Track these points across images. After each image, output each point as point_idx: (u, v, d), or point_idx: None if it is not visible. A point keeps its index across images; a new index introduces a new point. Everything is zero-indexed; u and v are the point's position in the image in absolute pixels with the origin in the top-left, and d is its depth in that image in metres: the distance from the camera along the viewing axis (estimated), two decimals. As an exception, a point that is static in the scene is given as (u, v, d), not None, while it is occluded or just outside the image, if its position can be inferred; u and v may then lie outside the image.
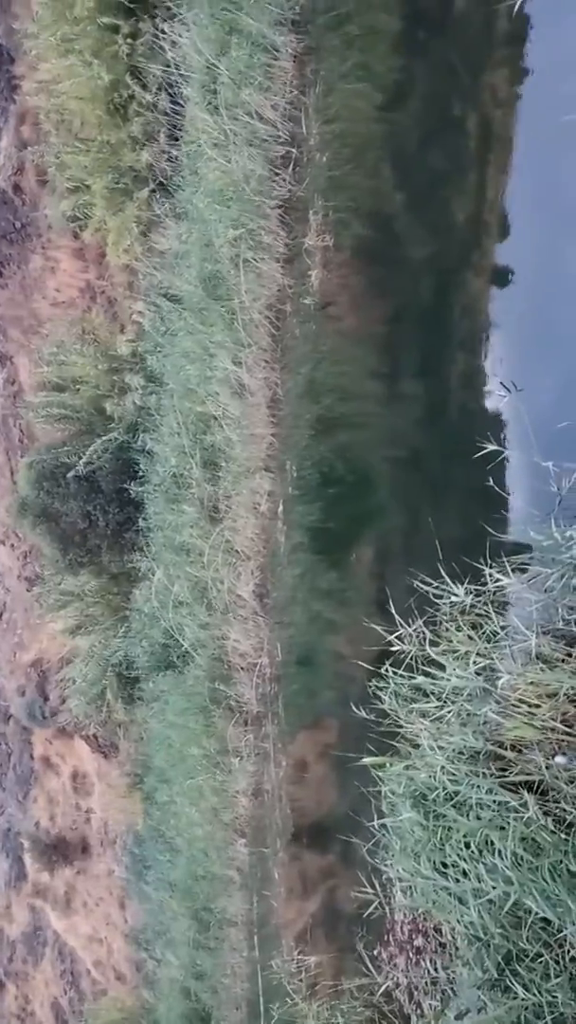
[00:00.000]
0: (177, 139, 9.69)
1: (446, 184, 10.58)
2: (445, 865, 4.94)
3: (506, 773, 4.53)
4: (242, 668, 10.24)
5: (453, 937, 5.37)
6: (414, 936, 6.39)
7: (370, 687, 5.63)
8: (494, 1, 8.92)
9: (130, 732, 11.95)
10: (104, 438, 10.78)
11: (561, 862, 4.09)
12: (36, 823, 14.07)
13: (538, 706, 4.35)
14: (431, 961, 5.69)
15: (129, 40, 9.56)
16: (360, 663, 6.39)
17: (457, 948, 5.17)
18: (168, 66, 9.33)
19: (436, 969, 5.59)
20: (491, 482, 5.28)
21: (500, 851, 4.38)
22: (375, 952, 6.75)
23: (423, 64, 10.12)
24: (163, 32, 9.26)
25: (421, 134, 10.41)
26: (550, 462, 4.46)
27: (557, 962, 4.26)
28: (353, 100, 9.18)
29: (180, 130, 9.62)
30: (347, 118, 9.08)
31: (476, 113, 10.46)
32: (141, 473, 10.66)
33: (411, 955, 6.38)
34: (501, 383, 5.72)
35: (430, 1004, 5.53)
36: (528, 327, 9.45)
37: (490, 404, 10.02)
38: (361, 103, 9.37)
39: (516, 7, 5.14)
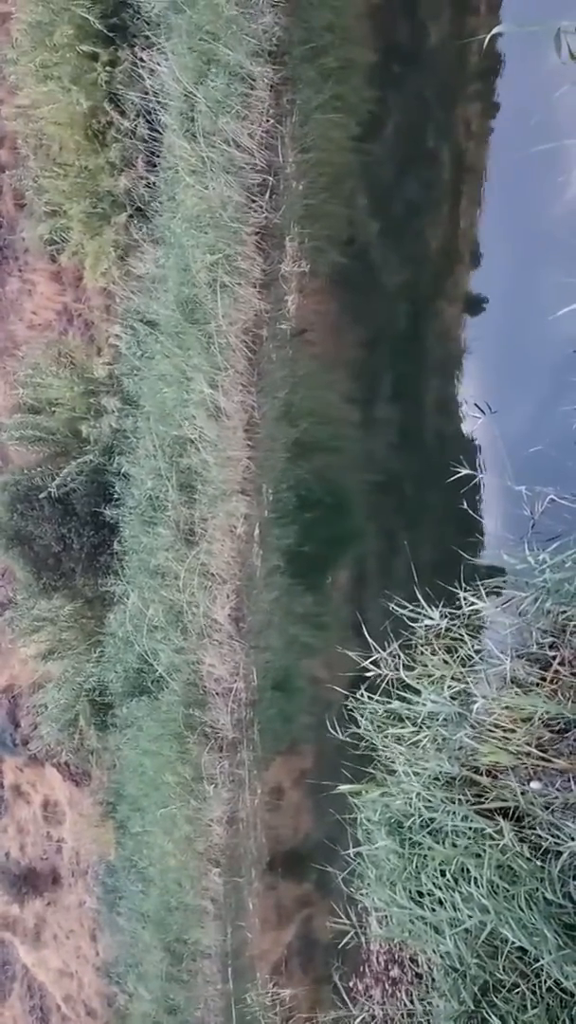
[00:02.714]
0: (155, 165, 9.77)
1: (420, 213, 10.77)
2: (421, 894, 4.87)
3: (482, 799, 4.50)
4: (217, 693, 10.14)
5: (429, 968, 5.30)
6: (390, 967, 6.29)
7: (347, 711, 5.59)
8: (464, 37, 9.14)
9: (103, 759, 11.75)
10: (79, 460, 10.71)
11: (537, 890, 4.06)
12: (6, 853, 13.74)
13: (513, 731, 4.34)
14: (407, 992, 5.60)
15: (108, 67, 9.66)
16: (336, 688, 6.35)
17: (433, 979, 5.09)
18: (146, 93, 9.43)
19: (412, 1001, 5.50)
20: (465, 506, 5.30)
21: (476, 879, 4.33)
22: (351, 983, 6.64)
23: (398, 96, 10.34)
24: (142, 60, 9.37)
25: (396, 164, 10.60)
26: (523, 486, 4.48)
27: (534, 992, 4.21)
28: (329, 130, 9.33)
29: (158, 156, 9.70)
30: (323, 148, 9.22)
31: (449, 145, 10.69)
32: (116, 496, 10.60)
33: (387, 986, 6.28)
34: (476, 405, 5.77)
35: (406, 1037, 5.43)
36: (501, 353, 9.59)
37: (465, 428, 10.12)
38: (337, 133, 9.53)
39: (484, 43, 5.25)
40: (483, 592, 4.82)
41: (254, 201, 8.50)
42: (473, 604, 4.69)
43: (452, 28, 10.24)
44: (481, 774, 4.54)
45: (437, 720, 4.82)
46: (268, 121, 8.33)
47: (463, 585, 4.91)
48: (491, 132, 10.57)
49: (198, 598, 9.89)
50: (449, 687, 4.73)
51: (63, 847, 13.23)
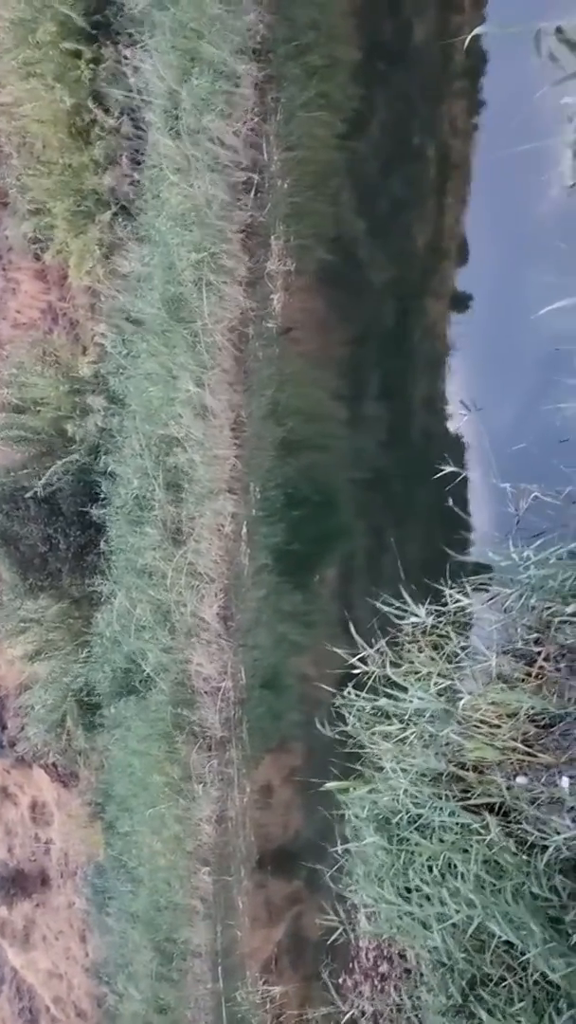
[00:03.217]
0: (139, 163, 9.73)
1: (406, 211, 10.77)
2: (408, 890, 4.89)
3: (468, 795, 4.51)
4: (206, 692, 10.12)
5: (418, 963, 5.31)
6: (379, 963, 6.31)
7: (335, 708, 5.60)
8: (448, 34, 9.15)
9: (91, 760, 11.72)
10: (65, 460, 10.66)
11: (523, 884, 4.08)
12: (-6, 855, 13.69)
13: (499, 726, 4.36)
14: (396, 988, 5.62)
15: (91, 65, 9.62)
16: (325, 686, 6.36)
17: (422, 974, 5.11)
18: (130, 91, 9.40)
19: (401, 996, 5.51)
20: (451, 503, 5.32)
21: (463, 874, 4.35)
22: (341, 980, 6.66)
23: (383, 94, 10.33)
24: (125, 58, 9.33)
25: (381, 162, 10.60)
26: (507, 483, 4.50)
27: (521, 986, 4.23)
28: (314, 128, 9.32)
29: (142, 154, 9.66)
30: (308, 145, 9.21)
31: (434, 142, 10.70)
32: (103, 495, 10.55)
33: (376, 982, 6.30)
34: (461, 402, 5.79)
35: (395, 1032, 5.45)
36: (487, 350, 9.62)
37: (451, 425, 10.14)
38: (322, 131, 9.52)
39: (466, 43, 5.27)
40: (469, 589, 4.84)
41: (239, 199, 8.49)
42: (459, 601, 4.71)
43: (436, 26, 10.25)
44: (467, 770, 4.55)
45: (424, 716, 4.83)
46: (253, 119, 8.31)
47: (449, 582, 4.93)
48: (476, 129, 10.58)
49: (186, 597, 9.87)
50: (435, 683, 4.75)
51: (51, 848, 13.19)
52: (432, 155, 10.80)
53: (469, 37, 4.62)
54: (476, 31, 4.90)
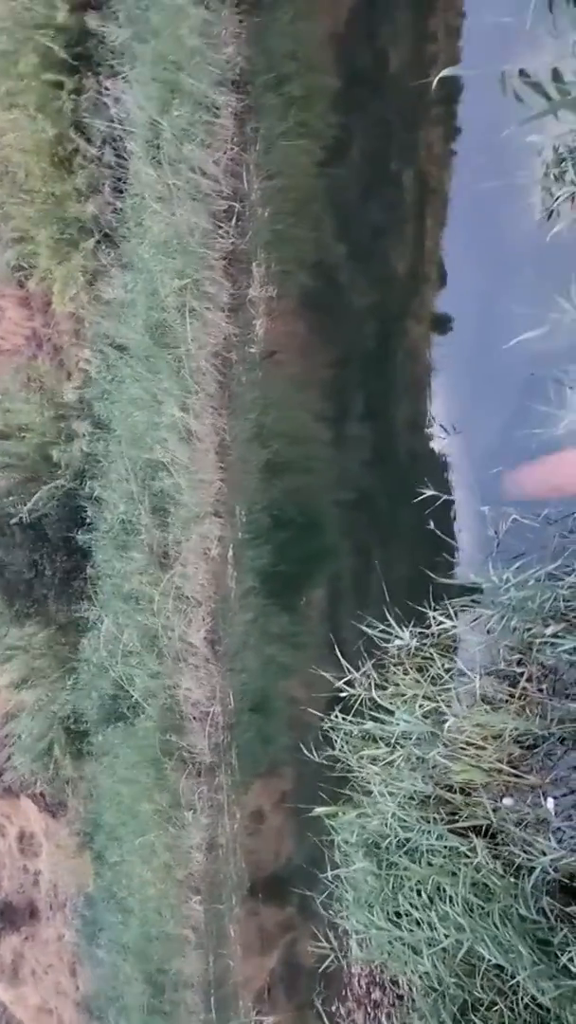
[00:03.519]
0: (122, 191, 9.84)
1: (386, 236, 10.91)
2: (398, 915, 4.86)
3: (456, 817, 4.51)
4: (194, 717, 10.07)
5: (410, 989, 5.27)
6: (372, 989, 6.26)
7: (324, 732, 5.59)
8: (423, 62, 9.35)
9: (79, 789, 11.60)
10: (50, 485, 10.66)
11: (511, 906, 4.07)
12: (-19, 888, 13.47)
13: (484, 748, 4.36)
14: (388, 1015, 5.57)
15: (73, 96, 9.74)
16: (313, 709, 6.35)
17: (414, 1000, 5.07)
18: (112, 121, 9.52)
19: (394, 1023, 5.46)
20: (433, 525, 5.36)
21: (451, 897, 4.33)
22: (334, 1008, 6.60)
23: (361, 121, 10.51)
24: (106, 89, 9.46)
25: (361, 188, 10.76)
26: (486, 506, 4.56)
27: (512, 1010, 4.20)
28: (294, 156, 9.46)
29: (125, 183, 9.77)
30: (288, 173, 9.34)
31: (413, 168, 10.87)
32: (89, 520, 10.54)
33: (369, 1009, 6.24)
34: (441, 425, 5.86)
35: (388, 1061, 5.39)
36: (467, 372, 9.72)
37: (434, 446, 10.21)
38: (302, 159, 9.66)
39: (434, 83, 5.41)
40: (452, 611, 4.87)
41: (221, 227, 8.59)
42: (442, 623, 4.73)
43: (411, 55, 10.46)
44: (454, 792, 4.56)
45: (410, 739, 4.84)
46: (233, 148, 8.44)
47: (433, 604, 4.95)
48: (453, 155, 10.76)
49: (173, 621, 9.85)
50: (421, 706, 4.76)
51: (40, 880, 13.00)
52: (410, 180, 10.96)
53: (436, 79, 4.74)
54: (443, 73, 5.03)
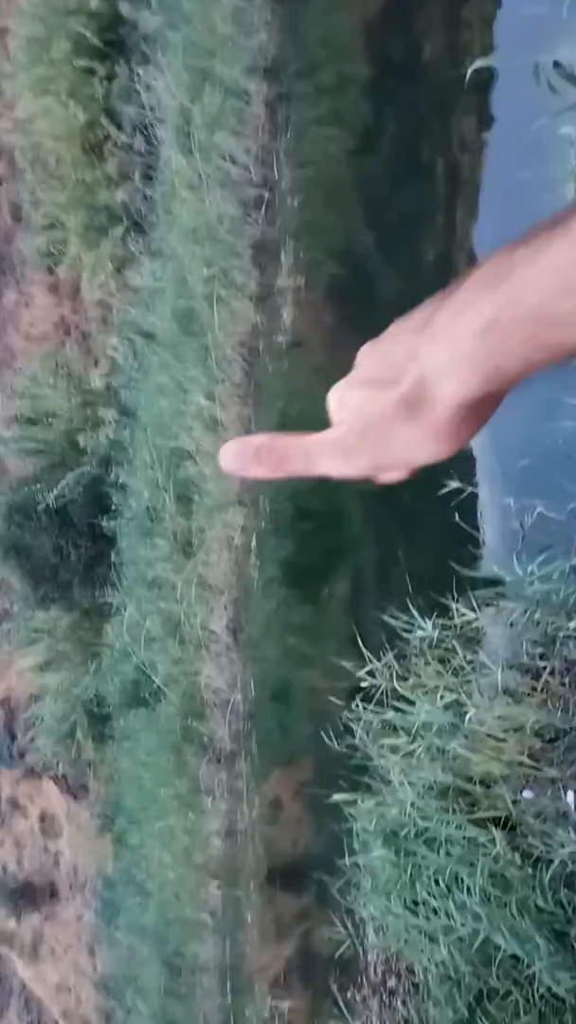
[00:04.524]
0: (152, 179, 9.86)
1: (416, 225, 10.84)
2: (416, 903, 4.89)
3: (475, 808, 4.52)
4: (215, 704, 10.14)
5: (425, 977, 5.30)
6: (387, 977, 6.29)
7: (344, 722, 5.62)
8: (458, 51, 9.25)
9: (100, 772, 11.74)
10: (76, 471, 10.76)
11: (529, 898, 4.08)
12: (3, 867, 13.70)
13: (505, 740, 4.36)
14: (404, 1002, 5.60)
15: (105, 82, 9.77)
16: (334, 699, 6.37)
17: (429, 988, 5.10)
18: (143, 108, 9.54)
19: (409, 1010, 5.50)
20: (458, 518, 5.35)
21: (469, 888, 4.35)
22: (349, 995, 6.64)
23: (393, 110, 10.43)
24: (138, 75, 9.48)
25: (391, 178, 10.69)
26: (510, 498, 4.54)
27: (527, 1000, 4.22)
28: (325, 145, 9.42)
29: (154, 170, 9.80)
30: (318, 162, 9.31)
31: (444, 158, 10.77)
32: (114, 507, 10.63)
33: (384, 997, 6.28)
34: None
35: (403, 1048, 5.43)
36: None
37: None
38: (332, 147, 9.61)
39: (468, 74, 5.37)
40: (476, 603, 4.86)
41: (250, 215, 8.59)
42: (465, 615, 4.73)
43: (446, 42, 10.35)
44: (474, 784, 4.56)
45: (431, 730, 4.85)
46: (264, 136, 8.43)
47: (456, 596, 4.95)
48: (485, 145, 10.65)
49: (195, 609, 9.91)
50: (442, 697, 4.76)
51: (61, 860, 13.20)
52: (442, 170, 10.87)
53: (471, 69, 4.70)
54: (477, 63, 4.98)
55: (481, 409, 0.65)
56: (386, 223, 10.69)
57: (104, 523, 10.65)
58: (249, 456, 0.72)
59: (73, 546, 10.84)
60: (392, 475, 0.73)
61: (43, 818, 13.20)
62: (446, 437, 0.66)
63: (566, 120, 4.72)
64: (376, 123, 10.10)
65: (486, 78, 10.13)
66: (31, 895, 13.47)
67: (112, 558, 10.78)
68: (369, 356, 0.74)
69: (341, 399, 0.74)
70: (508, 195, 9.47)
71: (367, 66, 9.87)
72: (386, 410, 0.67)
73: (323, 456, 0.71)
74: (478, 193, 10.56)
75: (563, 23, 4.78)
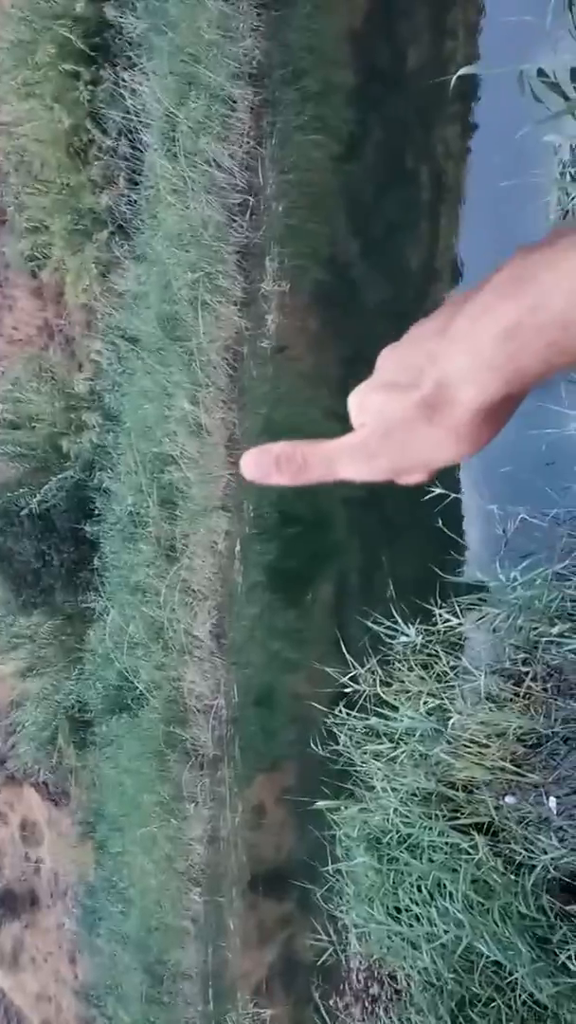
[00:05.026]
0: (136, 183, 9.85)
1: (400, 232, 10.88)
2: (398, 910, 4.88)
3: (458, 814, 4.52)
4: (198, 710, 10.11)
5: (408, 984, 5.29)
6: (370, 984, 6.28)
7: (327, 727, 5.61)
8: (442, 59, 9.31)
9: (82, 778, 11.65)
10: (60, 476, 10.70)
11: (511, 904, 4.08)
12: (-17, 875, 13.56)
13: (487, 746, 4.37)
14: (386, 1010, 5.59)
15: (90, 86, 9.75)
16: (317, 704, 6.36)
17: (411, 995, 5.09)
18: (128, 113, 9.53)
19: (391, 1018, 5.48)
20: (441, 524, 5.36)
21: (452, 894, 4.35)
22: (331, 1002, 6.63)
23: (377, 117, 10.48)
24: (123, 80, 9.47)
25: (376, 184, 10.73)
26: (493, 505, 4.55)
27: (509, 1007, 4.22)
28: (309, 151, 9.45)
29: (139, 175, 9.78)
30: (303, 168, 9.33)
31: (428, 165, 10.83)
32: (97, 512, 10.58)
33: (367, 1004, 6.27)
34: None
35: (385, 1056, 5.41)
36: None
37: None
38: (317, 153, 9.65)
39: (452, 82, 5.40)
40: (459, 609, 4.87)
41: (235, 220, 8.60)
42: (448, 621, 4.74)
43: (430, 51, 10.42)
44: (457, 789, 4.56)
45: (414, 736, 4.85)
46: (249, 142, 8.44)
47: (439, 602, 4.95)
48: (469, 153, 10.72)
49: (179, 614, 9.88)
50: (425, 703, 4.77)
51: (42, 868, 13.08)
52: (426, 177, 10.92)
53: (455, 77, 4.73)
54: (461, 71, 5.01)
55: (501, 411, 0.66)
56: (370, 229, 10.73)
57: (87, 528, 10.60)
58: (270, 464, 0.72)
59: (56, 551, 10.78)
60: (413, 478, 0.74)
61: (24, 825, 13.08)
62: (466, 439, 0.66)
63: (550, 128, 4.77)
64: (361, 130, 10.14)
65: (470, 86, 10.21)
66: (11, 903, 13.33)
67: (95, 563, 10.73)
68: (389, 359, 0.75)
69: (361, 403, 0.74)
70: (492, 202, 9.53)
71: (352, 73, 9.92)
72: (407, 413, 0.68)
73: (344, 461, 0.72)
74: (462, 200, 10.63)
75: (546, 31, 4.83)
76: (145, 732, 10.17)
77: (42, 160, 10.59)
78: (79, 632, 11.14)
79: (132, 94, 9.37)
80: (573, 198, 5.26)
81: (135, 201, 9.83)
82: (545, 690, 4.36)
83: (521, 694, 4.45)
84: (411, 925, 4.74)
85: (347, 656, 5.34)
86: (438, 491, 5.00)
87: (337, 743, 5.45)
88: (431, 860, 4.56)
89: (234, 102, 8.23)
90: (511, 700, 4.46)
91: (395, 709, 5.01)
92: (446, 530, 5.24)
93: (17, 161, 10.90)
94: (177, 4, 8.52)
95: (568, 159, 5.39)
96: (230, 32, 8.05)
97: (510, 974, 4.17)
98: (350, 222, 10.60)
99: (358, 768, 5.33)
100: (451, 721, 4.57)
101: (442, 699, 4.69)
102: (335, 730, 5.48)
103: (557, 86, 4.31)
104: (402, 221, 10.83)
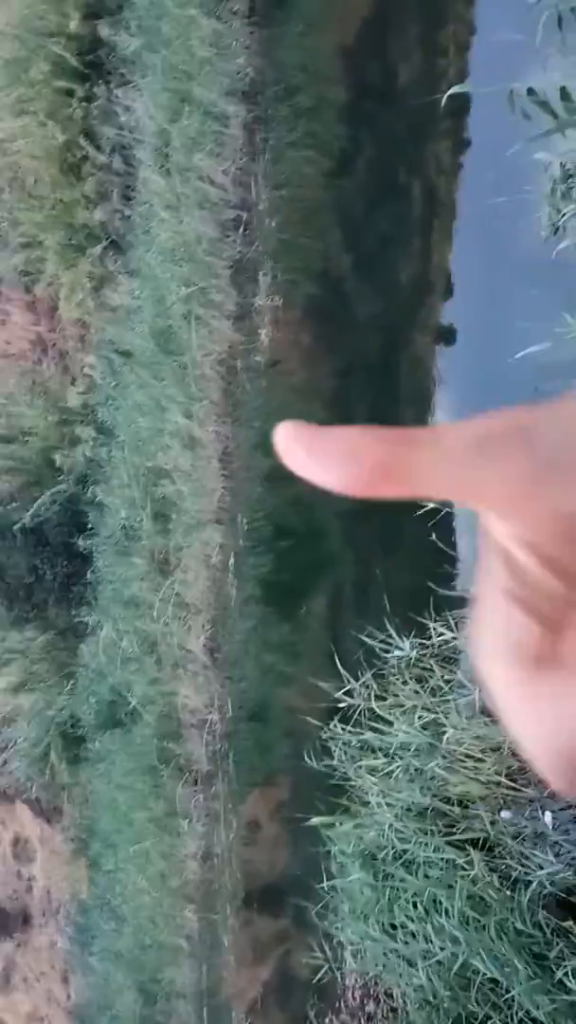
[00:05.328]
0: (130, 199, 9.90)
1: (392, 246, 10.96)
2: (394, 926, 4.84)
3: (453, 830, 4.49)
4: (192, 725, 10.05)
5: (404, 1002, 5.24)
6: (365, 1002, 6.21)
7: (322, 742, 5.58)
8: (434, 76, 9.42)
9: (74, 795, 11.56)
10: (53, 490, 10.68)
11: (507, 920, 4.05)
12: (-26, 893, 13.40)
13: (483, 760, 4.35)
14: (382, 1029, 5.53)
15: (84, 103, 9.82)
16: (311, 719, 6.34)
17: (408, 1013, 5.04)
18: (122, 129, 9.60)
19: (387, 1037, 5.42)
20: (435, 537, 5.37)
21: (448, 910, 4.32)
22: (327, 1020, 6.55)
23: (369, 134, 10.58)
24: (117, 97, 9.55)
25: (368, 200, 10.82)
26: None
27: (506, 1025, 4.18)
28: (302, 167, 9.53)
29: (133, 190, 9.84)
30: (296, 184, 9.41)
31: (420, 181, 10.92)
32: (90, 525, 10.56)
33: (362, 1022, 6.20)
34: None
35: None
36: (472, 384, 9.75)
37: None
38: (310, 169, 9.73)
39: (443, 100, 5.46)
40: (453, 622, 4.86)
41: (228, 236, 8.65)
42: (442, 635, 4.73)
43: (422, 68, 10.54)
44: (452, 804, 4.54)
45: (409, 750, 4.82)
46: (242, 158, 8.51)
47: (434, 615, 4.95)
48: (461, 169, 10.82)
49: (172, 628, 9.85)
50: (420, 717, 4.75)
51: (34, 886, 12.94)
52: (418, 192, 11.02)
53: (446, 95, 4.78)
54: (453, 90, 5.06)
55: None
56: (363, 245, 10.81)
57: (80, 542, 10.57)
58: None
59: (48, 565, 10.74)
60: None
61: (16, 842, 12.95)
62: None
63: (541, 146, 4.82)
64: (353, 146, 10.24)
65: (461, 103, 10.32)
66: (3, 922, 13.17)
67: (88, 577, 10.69)
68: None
69: None
70: (484, 218, 9.61)
71: (344, 90, 10.03)
72: None
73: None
74: (454, 216, 10.72)
75: (536, 50, 4.88)
76: (138, 747, 10.11)
77: (36, 176, 10.64)
78: (72, 647, 11.09)
79: (126, 111, 9.44)
80: (564, 215, 5.31)
81: (129, 216, 9.88)
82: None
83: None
84: (407, 942, 4.70)
85: (341, 670, 5.32)
86: (432, 504, 5.00)
87: (332, 758, 5.42)
88: (427, 876, 4.53)
89: (227, 118, 8.29)
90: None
91: (390, 723, 4.99)
92: (440, 543, 5.24)
93: (11, 177, 10.94)
94: (170, 22, 8.61)
95: (559, 176, 5.45)
96: (223, 50, 8.13)
97: (507, 991, 4.13)
98: (343, 237, 10.68)
99: (353, 783, 5.30)
100: (446, 735, 4.55)
101: (437, 713, 4.68)
102: (329, 744, 5.45)
103: (547, 104, 4.36)
104: (394, 236, 10.92)
